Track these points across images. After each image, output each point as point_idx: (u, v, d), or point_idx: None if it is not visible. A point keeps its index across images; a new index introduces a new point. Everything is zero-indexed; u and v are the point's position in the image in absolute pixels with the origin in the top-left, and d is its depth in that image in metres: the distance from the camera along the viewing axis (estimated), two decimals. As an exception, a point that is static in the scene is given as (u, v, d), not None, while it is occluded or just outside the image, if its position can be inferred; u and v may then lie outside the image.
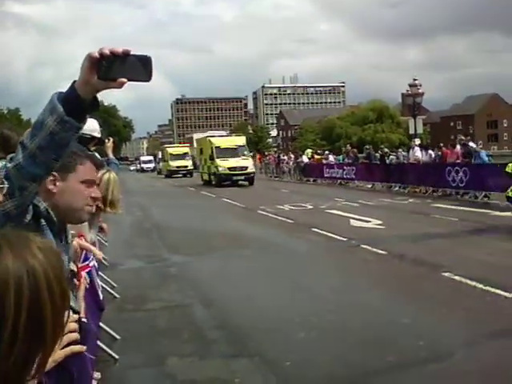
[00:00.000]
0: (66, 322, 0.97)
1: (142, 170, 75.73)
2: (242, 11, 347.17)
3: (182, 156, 48.53)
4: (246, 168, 31.13)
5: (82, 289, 2.42)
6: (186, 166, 47.55)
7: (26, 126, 52.45)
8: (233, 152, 31.73)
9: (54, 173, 2.02)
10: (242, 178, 31.10)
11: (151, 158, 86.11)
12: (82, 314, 2.27)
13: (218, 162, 31.19)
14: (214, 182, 31.62)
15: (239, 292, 7.59)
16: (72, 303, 2.04)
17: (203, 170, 34.97)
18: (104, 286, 6.85)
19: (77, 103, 1.55)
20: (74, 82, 1.55)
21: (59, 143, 1.58)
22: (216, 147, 32.14)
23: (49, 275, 0.91)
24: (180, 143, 74.77)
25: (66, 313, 0.98)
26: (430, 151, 21.79)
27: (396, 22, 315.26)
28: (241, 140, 34.73)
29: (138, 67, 1.53)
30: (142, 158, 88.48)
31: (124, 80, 1.51)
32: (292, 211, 16.79)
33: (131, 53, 1.52)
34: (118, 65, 1.50)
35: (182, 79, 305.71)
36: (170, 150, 50.72)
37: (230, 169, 30.68)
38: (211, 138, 34.43)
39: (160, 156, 62.30)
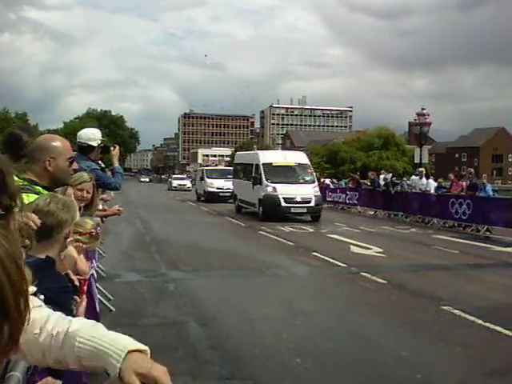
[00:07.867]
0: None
1: (208, 198, 32.31)
2: (256, 31, 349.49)
3: None
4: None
5: (83, 305, 2.39)
6: None
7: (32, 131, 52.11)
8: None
9: None
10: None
11: (230, 170, 33.65)
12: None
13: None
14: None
15: (236, 312, 7.52)
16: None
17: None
18: (100, 298, 6.79)
19: None
20: None
21: None
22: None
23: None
24: None
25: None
26: (431, 181, 21.92)
27: (406, 51, 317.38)
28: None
29: None
30: (203, 168, 40.64)
31: None
32: (293, 233, 16.76)
33: None
34: None
35: (191, 94, 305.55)
36: None
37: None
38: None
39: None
